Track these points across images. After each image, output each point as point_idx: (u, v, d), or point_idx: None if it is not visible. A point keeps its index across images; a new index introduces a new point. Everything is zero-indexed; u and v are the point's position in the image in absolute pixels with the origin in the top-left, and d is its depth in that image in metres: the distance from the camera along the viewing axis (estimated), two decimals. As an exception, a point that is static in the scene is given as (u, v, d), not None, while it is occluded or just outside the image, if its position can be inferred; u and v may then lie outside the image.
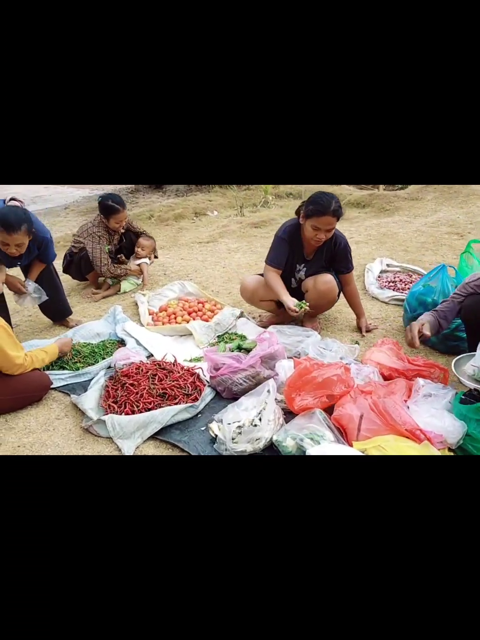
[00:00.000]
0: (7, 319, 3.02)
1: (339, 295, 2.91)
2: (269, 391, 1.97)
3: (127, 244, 3.99)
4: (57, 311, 3.31)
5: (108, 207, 3.57)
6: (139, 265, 3.98)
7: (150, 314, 3.39)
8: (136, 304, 3.66)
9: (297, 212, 2.78)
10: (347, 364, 2.25)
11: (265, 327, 3.09)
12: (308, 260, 2.85)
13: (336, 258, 2.83)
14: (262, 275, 2.98)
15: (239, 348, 2.41)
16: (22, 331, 3.34)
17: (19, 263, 2.98)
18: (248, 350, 2.38)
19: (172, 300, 3.61)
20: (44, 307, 3.22)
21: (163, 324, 3.18)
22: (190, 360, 2.73)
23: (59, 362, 2.70)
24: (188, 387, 2.33)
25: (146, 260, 4.03)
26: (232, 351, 2.43)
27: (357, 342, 2.79)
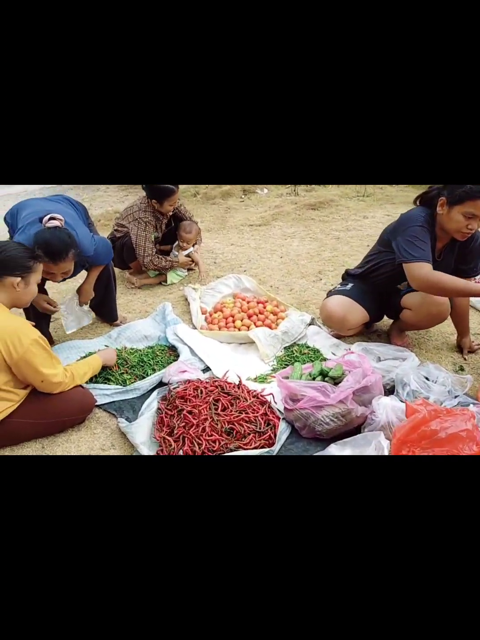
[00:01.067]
0: (45, 325, 2.65)
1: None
2: (375, 447, 1.53)
3: (172, 229, 3.55)
4: (101, 314, 2.95)
5: (161, 190, 3.12)
6: (188, 255, 3.53)
7: (202, 313, 2.96)
8: (185, 299, 3.24)
9: (423, 200, 2.20)
10: (461, 403, 1.77)
11: (339, 337, 2.62)
12: (436, 262, 2.21)
13: (467, 258, 2.25)
14: (341, 292, 2.48)
15: (323, 375, 1.95)
16: (59, 327, 2.98)
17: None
18: (333, 379, 1.92)
19: (227, 297, 3.17)
20: (91, 304, 2.85)
21: (219, 328, 2.75)
22: (256, 379, 2.30)
23: (104, 373, 2.32)
24: (259, 421, 1.90)
25: (192, 248, 3.57)
26: (314, 378, 1.97)
27: (461, 368, 2.28)
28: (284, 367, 2.35)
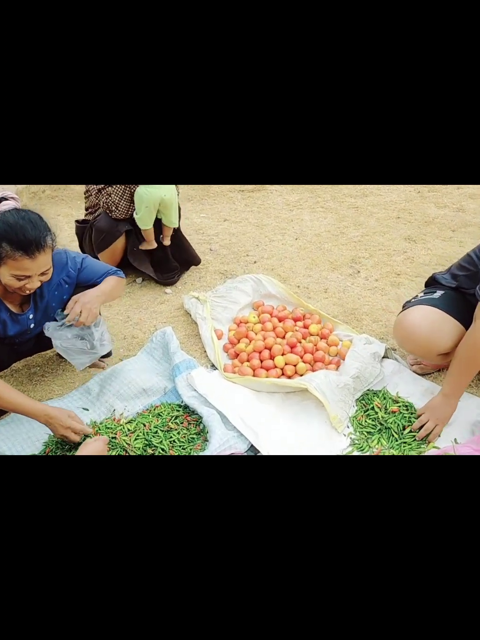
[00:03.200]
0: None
1: None
2: None
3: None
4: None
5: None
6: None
7: (218, 337, 2.08)
8: (186, 313, 2.33)
9: None
10: None
11: (425, 373, 1.86)
12: None
13: None
14: (426, 301, 1.68)
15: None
16: (22, 376, 2.00)
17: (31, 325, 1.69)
18: None
19: (245, 309, 2.29)
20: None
21: (253, 368, 1.89)
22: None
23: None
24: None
25: None
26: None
27: None
28: (369, 437, 1.58)
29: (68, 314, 1.60)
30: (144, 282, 2.62)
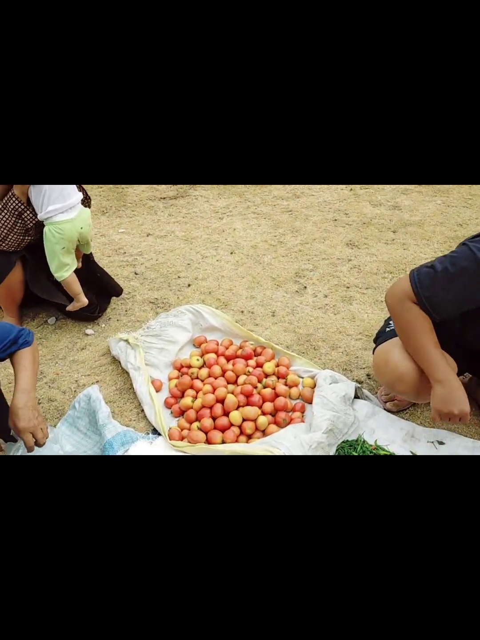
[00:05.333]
0: None
1: None
2: None
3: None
4: None
5: None
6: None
7: (156, 388, 1.72)
8: (114, 360, 1.94)
9: None
10: None
11: (400, 409, 1.64)
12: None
13: None
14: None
15: None
16: None
17: None
18: None
19: (185, 348, 1.95)
20: None
21: (206, 432, 1.56)
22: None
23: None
24: None
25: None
26: None
27: None
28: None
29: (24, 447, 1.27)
30: (57, 322, 2.18)
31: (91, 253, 2.15)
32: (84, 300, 2.03)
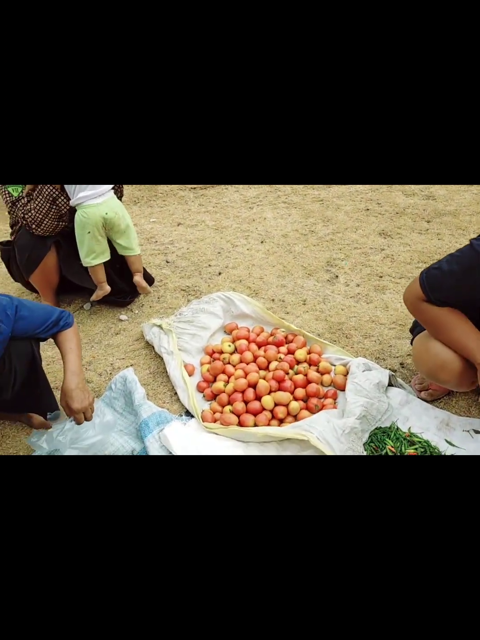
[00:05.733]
0: None
1: None
2: None
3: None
4: (25, 406, 1.55)
5: None
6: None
7: (188, 372, 1.75)
8: (147, 345, 1.98)
9: None
10: None
11: (435, 399, 1.62)
12: None
13: None
14: None
15: None
16: None
17: None
18: None
19: (216, 334, 1.97)
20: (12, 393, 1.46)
21: (238, 414, 1.58)
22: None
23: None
24: None
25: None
26: None
27: None
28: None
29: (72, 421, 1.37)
30: (93, 308, 2.23)
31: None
32: (107, 288, 2.08)
